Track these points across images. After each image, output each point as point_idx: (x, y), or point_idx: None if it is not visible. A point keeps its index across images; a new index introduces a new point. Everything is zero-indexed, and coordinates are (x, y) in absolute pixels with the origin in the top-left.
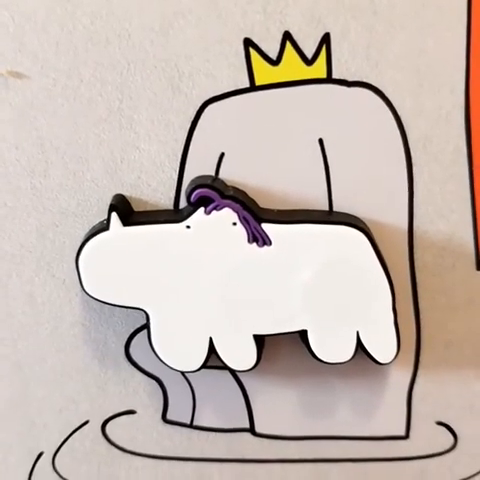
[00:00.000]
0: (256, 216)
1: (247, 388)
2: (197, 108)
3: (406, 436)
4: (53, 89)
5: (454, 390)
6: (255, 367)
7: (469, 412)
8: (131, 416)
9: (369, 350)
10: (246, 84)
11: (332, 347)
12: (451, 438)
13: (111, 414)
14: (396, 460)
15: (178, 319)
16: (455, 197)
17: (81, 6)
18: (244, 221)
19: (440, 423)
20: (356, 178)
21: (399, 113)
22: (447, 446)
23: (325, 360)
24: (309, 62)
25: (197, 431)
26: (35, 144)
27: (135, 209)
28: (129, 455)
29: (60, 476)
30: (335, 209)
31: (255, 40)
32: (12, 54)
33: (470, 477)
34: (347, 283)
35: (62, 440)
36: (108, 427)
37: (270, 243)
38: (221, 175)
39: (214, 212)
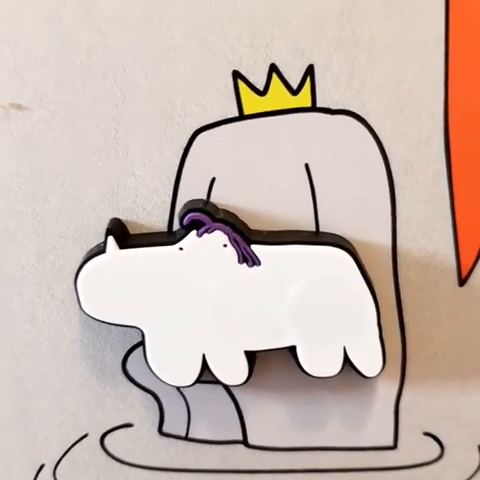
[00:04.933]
0: (246, 238)
1: (240, 402)
2: (189, 136)
3: (394, 446)
4: (52, 120)
5: (440, 401)
6: (247, 382)
7: (455, 422)
8: (128, 429)
9: (356, 364)
10: (235, 113)
11: (320, 362)
12: (438, 448)
13: (109, 427)
14: (384, 470)
15: (172, 336)
16: (436, 216)
17: (78, 42)
18: (234, 243)
19: (427, 433)
20: (341, 200)
21: (381, 138)
22: (434, 456)
23: (314, 374)
24: (294, 92)
25: (192, 443)
26: (36, 172)
27: (131, 232)
28: (127, 467)
29: None
30: (322, 230)
31: (243, 72)
32: (13, 87)
33: None
34: (334, 300)
35: (62, 453)
36: (106, 440)
37: (259, 263)
38: (212, 199)
39: (206, 234)
